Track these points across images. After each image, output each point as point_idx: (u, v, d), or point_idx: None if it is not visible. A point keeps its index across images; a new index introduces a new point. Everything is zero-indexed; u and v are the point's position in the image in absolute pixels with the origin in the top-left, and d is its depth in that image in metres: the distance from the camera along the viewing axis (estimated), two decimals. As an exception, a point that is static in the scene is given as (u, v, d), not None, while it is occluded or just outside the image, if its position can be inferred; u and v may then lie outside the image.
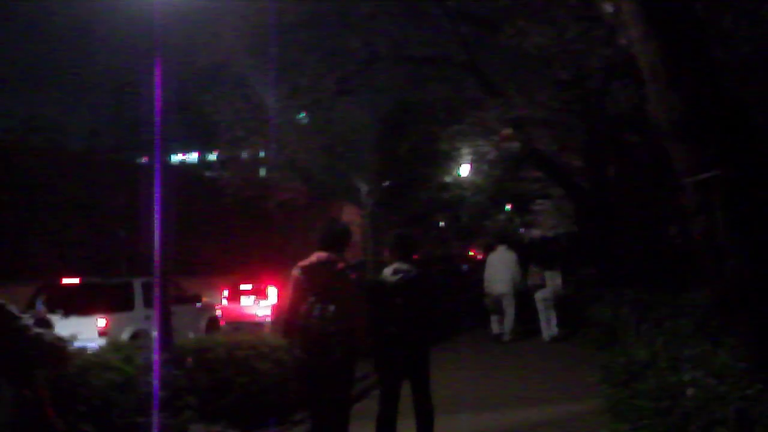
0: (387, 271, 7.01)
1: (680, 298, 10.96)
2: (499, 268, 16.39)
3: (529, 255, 17.84)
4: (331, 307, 6.10)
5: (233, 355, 8.06)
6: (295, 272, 6.36)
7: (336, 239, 6.60)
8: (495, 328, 16.50)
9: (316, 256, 6.40)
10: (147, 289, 15.51)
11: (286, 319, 6.49)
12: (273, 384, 8.22)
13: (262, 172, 26.18)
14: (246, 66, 20.63)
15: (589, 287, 17.35)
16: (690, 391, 6.09)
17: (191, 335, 14.98)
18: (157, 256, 6.99)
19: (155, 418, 6.32)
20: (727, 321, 6.53)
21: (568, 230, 30.48)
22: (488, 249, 18.16)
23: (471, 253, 35.78)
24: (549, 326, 16.08)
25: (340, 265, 6.34)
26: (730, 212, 6.23)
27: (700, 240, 6.67)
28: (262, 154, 23.04)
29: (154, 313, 15.27)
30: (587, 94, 14.82)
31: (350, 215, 31.36)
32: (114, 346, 7.72)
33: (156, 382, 6.46)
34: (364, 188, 22.36)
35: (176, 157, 56.49)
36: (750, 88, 10.00)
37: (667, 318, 9.85)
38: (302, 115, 22.71)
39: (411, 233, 8.24)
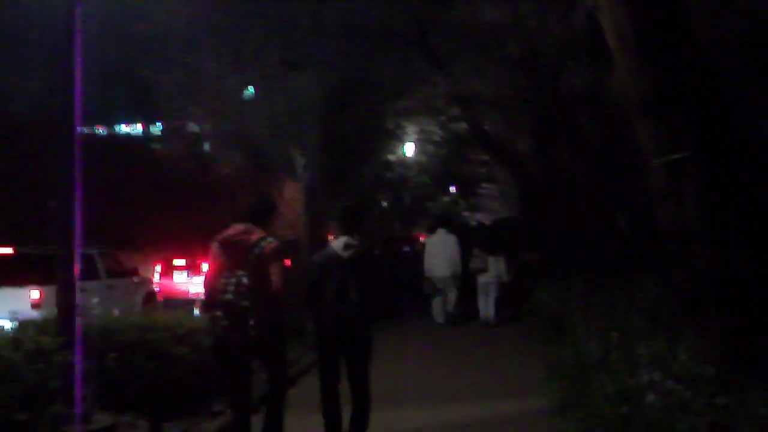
0: (336, 245, 6.76)
1: (631, 287, 10.32)
2: (439, 251, 16.09)
3: (473, 239, 17.44)
4: (245, 280, 5.92)
5: (145, 338, 7.17)
6: (213, 245, 6.23)
7: (255, 211, 6.44)
8: (436, 313, 16.24)
9: (232, 229, 6.26)
10: (88, 261, 14.72)
11: (204, 293, 6.37)
12: (188, 370, 7.36)
13: (207, 146, 25.35)
14: (186, 34, 19.70)
15: (533, 274, 16.85)
16: (651, 397, 5.39)
17: (116, 312, 13.97)
18: (60, 226, 6.11)
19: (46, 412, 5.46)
20: (693, 317, 5.80)
21: (512, 215, 30.23)
22: (429, 231, 18.02)
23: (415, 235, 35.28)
24: (488, 310, 15.85)
25: (254, 236, 6.14)
26: (702, 197, 5.53)
27: (665, 227, 5.96)
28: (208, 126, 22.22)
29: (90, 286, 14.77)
30: (540, 73, 14.06)
31: (294, 192, 30.37)
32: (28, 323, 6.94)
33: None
34: (299, 162, 21.37)
35: (122, 129, 55.20)
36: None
37: (618, 309, 9.19)
38: (251, 90, 21.88)
39: (359, 206, 8.28)
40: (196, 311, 14.80)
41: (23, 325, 6.88)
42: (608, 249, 13.98)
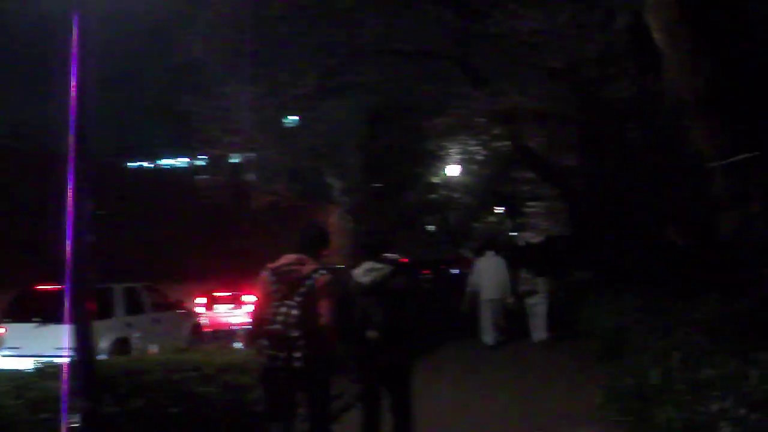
0: (357, 272, 6.64)
1: (690, 304, 9.64)
2: (489, 275, 15.62)
3: (521, 259, 17.12)
4: (294, 311, 5.78)
5: (170, 379, 6.72)
6: (263, 274, 6.10)
7: (309, 241, 6.30)
8: (485, 334, 15.68)
9: (284, 258, 6.11)
10: (129, 295, 15.04)
11: (251, 323, 6.27)
12: (219, 411, 6.89)
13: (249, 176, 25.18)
14: (223, 63, 19.56)
15: (584, 292, 16.29)
16: (725, 428, 4.77)
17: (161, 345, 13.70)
18: (69, 259, 5.69)
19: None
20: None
21: (562, 233, 29.52)
22: (476, 254, 17.66)
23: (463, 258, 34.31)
24: (539, 331, 15.60)
25: (307, 267, 5.99)
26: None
27: (729, 236, 5.37)
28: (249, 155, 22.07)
29: (136, 320, 14.51)
30: (582, 83, 13.49)
31: (337, 218, 30.09)
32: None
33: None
34: (337, 187, 21.12)
35: (166, 161, 55.87)
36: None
37: (678, 328, 8.52)
38: (289, 119, 21.66)
39: (381, 230, 8.82)
40: (238, 344, 14.40)
41: (42, 368, 6.43)
42: (663, 263, 13.25)
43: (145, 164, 49.67)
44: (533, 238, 34.11)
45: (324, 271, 6.05)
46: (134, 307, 15.17)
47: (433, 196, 25.51)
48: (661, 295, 11.37)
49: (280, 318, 5.80)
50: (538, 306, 15.64)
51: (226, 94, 19.14)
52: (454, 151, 23.75)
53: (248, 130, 19.19)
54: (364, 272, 6.60)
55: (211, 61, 19.21)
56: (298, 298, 5.83)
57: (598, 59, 12.85)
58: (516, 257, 17.77)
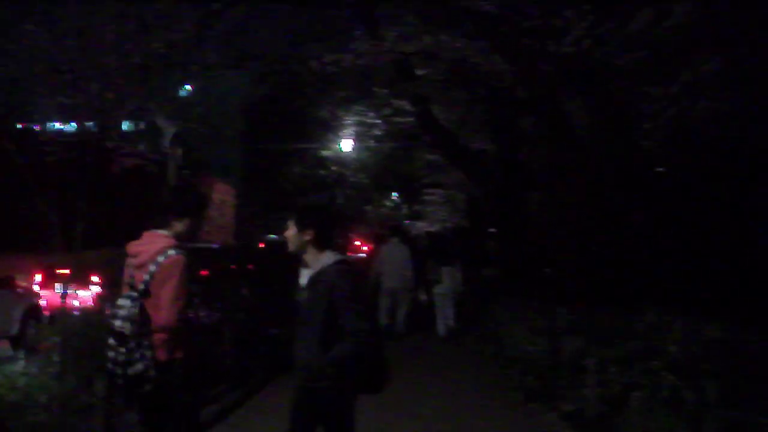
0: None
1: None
2: (395, 263, 15.15)
3: (426, 249, 16.99)
4: (134, 305, 4.81)
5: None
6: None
7: (165, 209, 5.27)
8: (386, 323, 15.12)
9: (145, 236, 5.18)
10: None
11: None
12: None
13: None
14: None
15: (493, 292, 15.80)
16: None
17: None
18: None
19: None
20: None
21: (458, 225, 28.54)
22: (380, 241, 17.11)
23: (357, 243, 31.94)
24: (445, 321, 15.17)
25: (155, 246, 5.00)
26: None
27: None
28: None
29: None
30: (520, 32, 10.76)
31: (222, 194, 26.75)
32: None
33: None
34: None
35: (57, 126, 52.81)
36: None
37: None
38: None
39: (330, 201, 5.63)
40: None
41: None
42: (598, 270, 10.84)
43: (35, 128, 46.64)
44: (429, 227, 32.50)
45: (174, 251, 5.00)
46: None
47: (322, 172, 22.60)
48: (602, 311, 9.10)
49: (122, 313, 4.88)
50: (445, 297, 15.21)
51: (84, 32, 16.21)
52: (349, 122, 21.11)
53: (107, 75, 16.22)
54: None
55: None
56: (141, 288, 4.94)
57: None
58: (417, 247, 17.42)
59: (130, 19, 16.29)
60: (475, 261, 18.21)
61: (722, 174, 11.62)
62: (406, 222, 35.55)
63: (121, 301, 4.95)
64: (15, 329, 13.00)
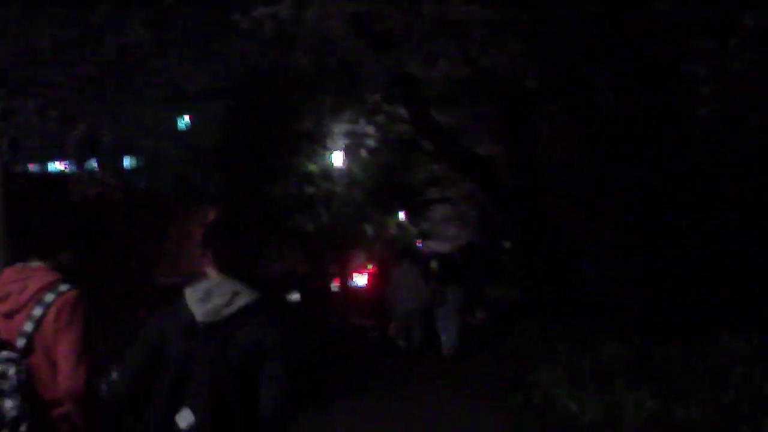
0: (193, 295, 3.47)
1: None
2: (408, 286, 15.15)
3: (437, 271, 16.87)
4: (12, 369, 3.55)
5: None
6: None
7: (42, 237, 4.08)
8: (403, 344, 15.36)
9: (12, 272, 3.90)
10: None
11: None
12: None
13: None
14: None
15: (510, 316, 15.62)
16: None
17: None
18: None
19: None
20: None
21: (469, 241, 27.20)
22: (393, 263, 17.06)
23: (369, 267, 30.64)
24: (449, 340, 15.37)
25: (34, 284, 3.72)
26: None
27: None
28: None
29: None
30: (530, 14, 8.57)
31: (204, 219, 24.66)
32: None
33: None
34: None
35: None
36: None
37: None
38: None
39: (239, 217, 4.42)
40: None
41: None
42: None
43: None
44: (439, 247, 31.36)
45: (66, 287, 3.69)
46: None
47: (310, 189, 20.44)
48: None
49: (5, 386, 3.55)
50: (448, 317, 15.42)
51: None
52: (339, 133, 19.28)
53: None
54: (203, 295, 3.45)
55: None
56: (21, 343, 3.60)
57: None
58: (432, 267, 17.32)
59: (74, 26, 14.46)
60: (484, 280, 18.17)
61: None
62: (418, 243, 33.90)
63: None
64: None
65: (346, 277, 24.97)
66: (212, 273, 3.56)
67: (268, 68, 19.15)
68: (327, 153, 20.67)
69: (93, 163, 24.51)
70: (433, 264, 18.26)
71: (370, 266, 27.62)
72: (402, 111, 16.93)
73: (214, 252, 3.59)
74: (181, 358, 3.44)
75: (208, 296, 3.46)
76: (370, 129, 19.40)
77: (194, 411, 3.38)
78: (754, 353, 6.15)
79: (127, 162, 41.19)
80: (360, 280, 26.14)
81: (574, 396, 7.33)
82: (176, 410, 3.43)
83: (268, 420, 3.35)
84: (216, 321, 3.38)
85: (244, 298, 3.45)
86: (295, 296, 18.54)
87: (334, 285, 23.73)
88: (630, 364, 7.16)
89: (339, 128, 19.78)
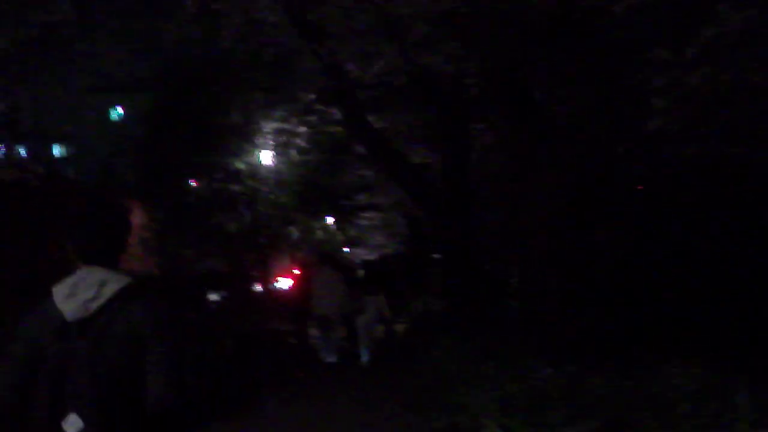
0: (61, 292, 3.21)
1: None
2: (326, 290, 15.38)
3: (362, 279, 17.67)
4: None
5: None
6: None
7: None
8: (323, 351, 15.58)
9: None
10: None
11: None
12: None
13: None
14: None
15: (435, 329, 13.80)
16: None
17: None
18: None
19: None
20: None
21: (396, 250, 27.88)
22: (316, 268, 17.18)
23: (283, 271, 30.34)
24: (366, 349, 15.36)
25: None
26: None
27: None
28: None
29: None
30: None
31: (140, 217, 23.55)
32: None
33: None
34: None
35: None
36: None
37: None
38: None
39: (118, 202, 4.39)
40: None
41: None
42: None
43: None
44: (367, 255, 31.50)
45: None
46: None
47: (235, 188, 19.75)
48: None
49: None
50: (369, 326, 15.59)
51: None
52: (269, 130, 18.66)
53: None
54: (69, 292, 3.18)
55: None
56: None
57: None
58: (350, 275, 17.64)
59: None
60: (409, 290, 18.55)
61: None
62: (345, 249, 33.35)
63: None
64: None
65: (268, 280, 24.57)
66: (79, 265, 3.31)
67: (197, 58, 18.54)
68: (255, 150, 20.31)
69: (20, 149, 23.86)
70: (360, 272, 18.40)
71: (294, 270, 27.04)
72: (335, 112, 16.58)
73: (75, 243, 3.37)
74: (57, 361, 3.21)
75: (75, 291, 3.23)
76: (301, 128, 19.17)
77: (81, 415, 3.16)
78: (703, 386, 5.67)
79: (57, 150, 40.16)
80: (283, 283, 25.62)
81: (505, 426, 6.76)
82: (62, 416, 3.20)
83: (157, 412, 3.12)
84: (86, 317, 3.15)
85: (113, 285, 3.22)
86: (213, 297, 17.94)
87: (257, 287, 23.35)
88: (563, 392, 6.63)
89: (269, 126, 19.43)
